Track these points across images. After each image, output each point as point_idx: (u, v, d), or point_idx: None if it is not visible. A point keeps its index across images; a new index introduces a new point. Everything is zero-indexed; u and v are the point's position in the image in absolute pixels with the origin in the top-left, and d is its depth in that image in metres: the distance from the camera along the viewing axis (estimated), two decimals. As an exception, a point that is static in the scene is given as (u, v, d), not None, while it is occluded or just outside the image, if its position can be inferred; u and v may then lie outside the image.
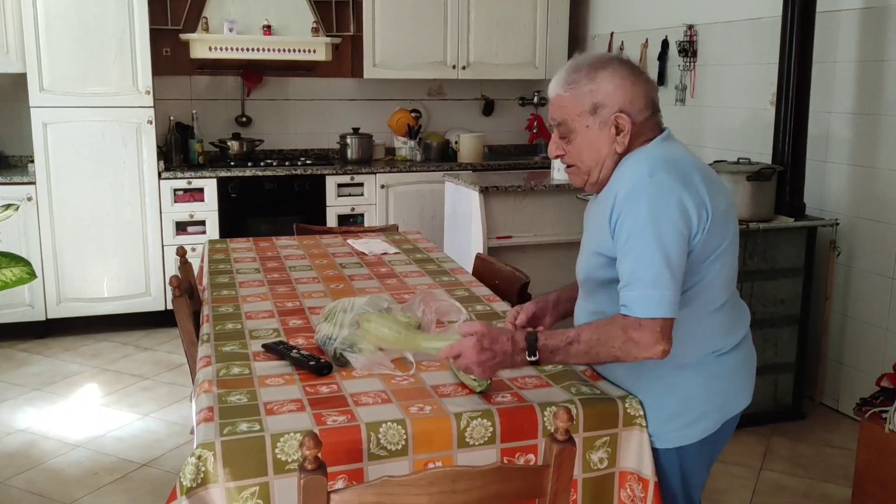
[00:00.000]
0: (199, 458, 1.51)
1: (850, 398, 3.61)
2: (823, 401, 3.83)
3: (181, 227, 4.84)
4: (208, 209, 4.87)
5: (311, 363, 1.87)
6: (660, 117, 1.74)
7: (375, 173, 5.19)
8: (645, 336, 1.54)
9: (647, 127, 1.69)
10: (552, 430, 1.45)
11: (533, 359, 1.62)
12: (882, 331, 3.54)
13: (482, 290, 2.64)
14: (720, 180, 1.72)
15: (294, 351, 1.95)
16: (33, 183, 4.52)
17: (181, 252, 2.89)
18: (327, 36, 5.14)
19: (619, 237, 1.60)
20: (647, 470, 1.71)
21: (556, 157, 1.76)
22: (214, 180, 4.85)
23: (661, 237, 1.54)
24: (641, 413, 1.73)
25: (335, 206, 5.12)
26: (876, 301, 3.57)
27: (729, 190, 1.75)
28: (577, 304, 1.89)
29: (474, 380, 1.76)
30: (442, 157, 5.58)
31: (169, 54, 5.08)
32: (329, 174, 5.07)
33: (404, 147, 5.62)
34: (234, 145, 5.14)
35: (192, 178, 4.81)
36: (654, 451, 1.73)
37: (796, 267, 3.56)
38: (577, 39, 5.69)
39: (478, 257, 3.04)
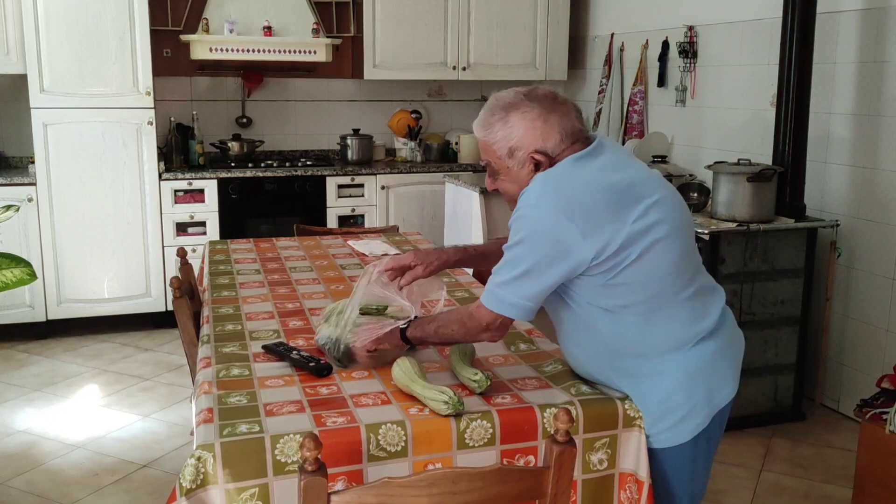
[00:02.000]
0: (198, 459, 1.51)
1: (850, 399, 3.61)
2: (824, 402, 3.83)
3: (181, 228, 4.84)
4: (209, 210, 4.87)
5: (311, 364, 1.87)
6: (584, 137, 1.76)
7: (376, 174, 5.19)
8: (474, 322, 1.77)
9: (569, 154, 1.73)
10: (552, 432, 1.45)
11: (404, 325, 1.88)
12: (882, 332, 3.54)
13: (483, 291, 2.63)
14: (638, 195, 1.66)
15: (294, 352, 1.95)
16: (34, 184, 4.51)
17: (181, 253, 2.89)
18: (327, 37, 5.14)
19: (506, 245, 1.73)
20: (643, 472, 1.72)
21: (493, 190, 1.86)
22: (215, 181, 4.85)
23: (528, 257, 1.65)
24: (641, 414, 1.73)
25: (335, 206, 5.12)
26: (876, 302, 3.56)
27: (658, 198, 1.68)
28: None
29: (474, 381, 1.76)
30: (442, 157, 5.59)
31: (169, 55, 5.07)
32: (329, 175, 5.07)
33: (404, 148, 5.62)
34: (234, 146, 5.14)
35: (192, 179, 4.81)
36: (651, 452, 1.73)
37: (797, 268, 3.56)
38: (577, 40, 5.69)
39: (478, 258, 3.03)
